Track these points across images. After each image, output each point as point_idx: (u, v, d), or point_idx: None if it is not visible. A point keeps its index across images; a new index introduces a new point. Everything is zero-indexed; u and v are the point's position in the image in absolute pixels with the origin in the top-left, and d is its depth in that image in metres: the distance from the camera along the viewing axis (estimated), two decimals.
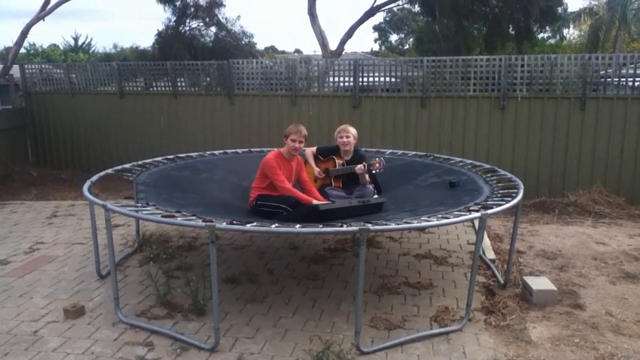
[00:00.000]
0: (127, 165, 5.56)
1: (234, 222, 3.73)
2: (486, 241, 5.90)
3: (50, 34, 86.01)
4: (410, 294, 4.70)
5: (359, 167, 5.38)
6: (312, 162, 5.81)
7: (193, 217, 3.82)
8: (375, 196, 5.43)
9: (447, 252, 5.77)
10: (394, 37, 40.19)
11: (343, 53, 15.24)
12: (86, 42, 41.28)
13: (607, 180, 8.43)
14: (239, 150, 6.77)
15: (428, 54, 19.69)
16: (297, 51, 50.45)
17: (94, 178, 4.98)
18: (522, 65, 8.63)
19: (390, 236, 6.15)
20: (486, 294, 4.71)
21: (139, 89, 10.80)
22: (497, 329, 4.06)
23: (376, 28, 39.65)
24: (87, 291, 4.82)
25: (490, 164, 8.62)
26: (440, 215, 3.95)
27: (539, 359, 3.61)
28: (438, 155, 6.41)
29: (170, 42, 14.44)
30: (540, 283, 4.61)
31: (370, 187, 5.55)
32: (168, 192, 4.85)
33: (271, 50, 49.21)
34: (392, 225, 3.59)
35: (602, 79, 8.51)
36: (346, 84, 9.52)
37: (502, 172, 5.38)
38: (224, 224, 3.58)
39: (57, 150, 11.50)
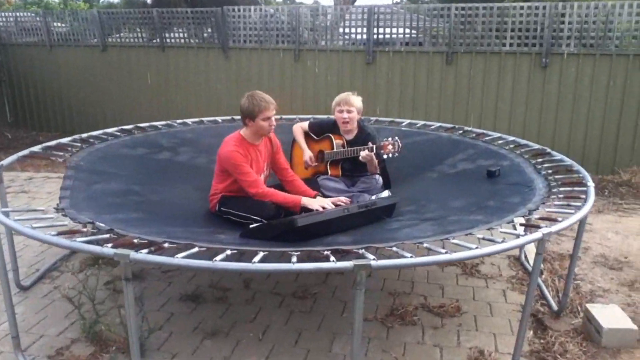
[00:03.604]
0: (64, 140, 4.24)
1: (165, 244, 2.46)
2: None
3: None
4: (430, 325, 3.44)
5: (365, 153, 3.99)
6: (302, 142, 4.43)
7: (108, 234, 2.58)
8: (384, 193, 4.08)
9: None
10: None
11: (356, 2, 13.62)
12: None
13: None
14: (219, 119, 5.43)
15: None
16: (316, 2, 48.17)
17: (7, 161, 3.69)
18: (571, 15, 7.12)
19: None
20: (535, 328, 3.44)
21: (123, 40, 9.47)
22: None
23: None
24: None
25: (527, 134, 7.30)
26: (480, 235, 2.65)
27: None
28: (469, 128, 5.02)
29: None
30: (611, 317, 3.32)
31: (378, 177, 4.22)
32: (103, 183, 3.58)
33: (289, 1, 46.98)
34: (408, 258, 2.31)
35: None
36: (359, 36, 8.09)
37: (558, 155, 4.01)
38: (145, 251, 2.32)
39: (37, 110, 10.31)
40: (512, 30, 7.33)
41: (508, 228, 2.93)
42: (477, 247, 2.40)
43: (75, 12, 9.93)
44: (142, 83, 9.35)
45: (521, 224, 2.84)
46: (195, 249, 2.42)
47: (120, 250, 2.27)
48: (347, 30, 8.18)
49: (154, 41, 9.13)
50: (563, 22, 7.13)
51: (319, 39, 8.39)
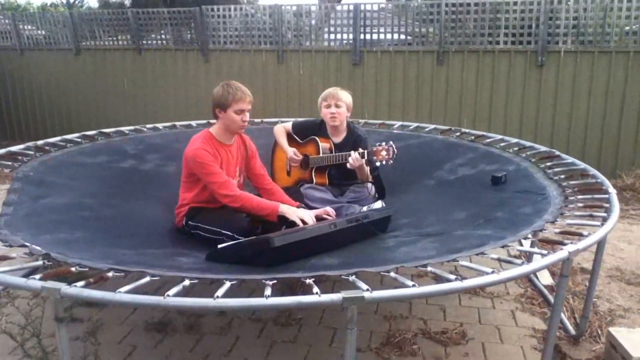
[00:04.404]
0: (15, 148, 3.77)
1: (110, 273, 2.01)
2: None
3: None
4: (433, 356, 2.99)
5: (354, 157, 3.52)
6: (284, 142, 3.97)
7: (42, 261, 2.11)
8: (377, 204, 3.61)
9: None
10: None
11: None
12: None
13: None
14: (193, 123, 4.97)
15: None
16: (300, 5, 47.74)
17: None
18: (567, 11, 6.76)
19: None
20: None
21: (98, 43, 8.98)
22: None
23: None
24: None
25: (524, 136, 6.88)
26: (495, 255, 2.22)
27: None
28: (467, 130, 4.61)
29: None
30: (639, 343, 2.89)
31: (370, 186, 3.79)
32: (52, 197, 3.11)
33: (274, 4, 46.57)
34: (410, 288, 1.87)
35: None
36: (344, 35, 7.67)
37: (569, 158, 3.62)
38: (80, 284, 1.86)
39: (8, 118, 9.77)
40: (506, 27, 6.97)
41: (515, 243, 2.51)
42: (493, 271, 1.97)
43: (46, 15, 9.41)
44: (118, 87, 8.88)
45: (539, 240, 2.41)
46: (147, 279, 1.96)
47: (49, 284, 1.82)
48: (332, 29, 7.76)
49: (130, 43, 8.66)
50: (559, 18, 6.78)
51: (303, 40, 7.98)
